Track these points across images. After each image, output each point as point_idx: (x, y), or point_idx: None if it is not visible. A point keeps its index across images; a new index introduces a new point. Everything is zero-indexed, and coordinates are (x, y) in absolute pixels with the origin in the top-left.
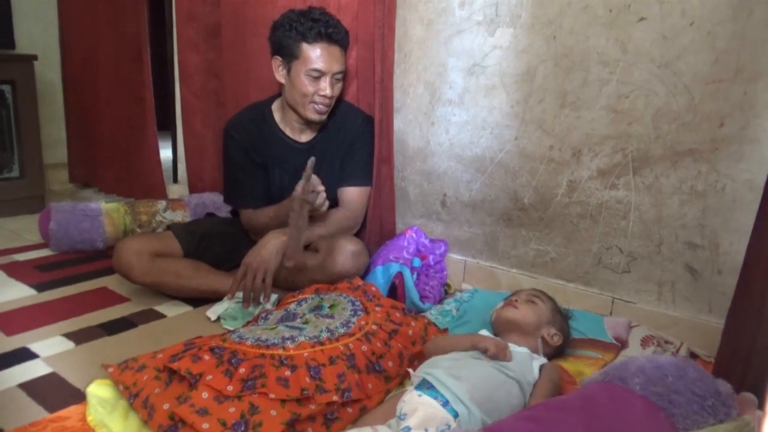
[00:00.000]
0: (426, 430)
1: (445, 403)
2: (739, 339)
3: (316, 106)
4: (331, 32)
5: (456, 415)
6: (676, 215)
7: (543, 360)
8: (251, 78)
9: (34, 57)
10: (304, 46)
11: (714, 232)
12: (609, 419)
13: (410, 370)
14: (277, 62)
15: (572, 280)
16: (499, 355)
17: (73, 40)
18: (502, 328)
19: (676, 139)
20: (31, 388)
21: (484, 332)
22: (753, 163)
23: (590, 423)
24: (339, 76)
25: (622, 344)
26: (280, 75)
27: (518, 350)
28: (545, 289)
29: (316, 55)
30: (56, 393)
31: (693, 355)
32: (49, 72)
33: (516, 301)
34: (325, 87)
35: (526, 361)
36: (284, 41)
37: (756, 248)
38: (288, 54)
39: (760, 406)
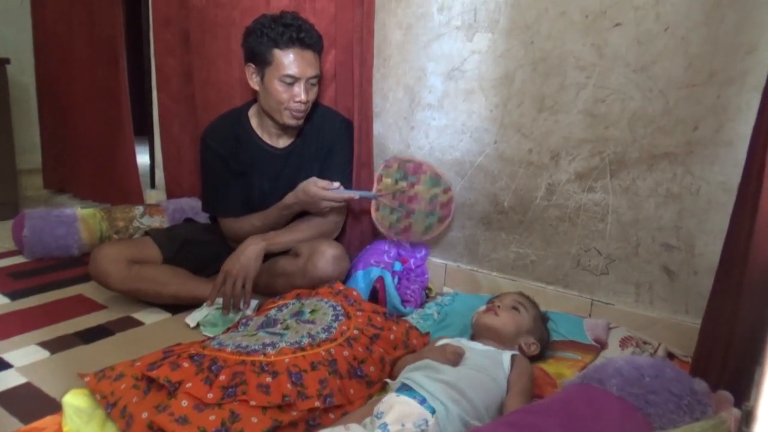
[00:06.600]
0: (403, 425)
1: (423, 401)
2: (716, 339)
3: (292, 112)
4: (304, 37)
5: (433, 412)
6: (653, 217)
7: (513, 352)
8: (212, 82)
9: (7, 60)
10: (276, 52)
11: (690, 233)
12: (586, 421)
13: (388, 380)
14: (250, 69)
15: (552, 283)
16: (451, 363)
17: (47, 44)
18: (480, 332)
19: (651, 143)
20: (5, 399)
21: (445, 340)
22: (727, 166)
23: (567, 425)
24: (313, 80)
25: (601, 345)
26: (254, 82)
27: (483, 348)
28: (525, 292)
29: (288, 60)
30: (31, 403)
31: (670, 355)
32: (22, 76)
33: (498, 307)
34: (300, 92)
35: (495, 356)
36: (256, 48)
37: (731, 249)
38: (261, 61)
39: (737, 404)
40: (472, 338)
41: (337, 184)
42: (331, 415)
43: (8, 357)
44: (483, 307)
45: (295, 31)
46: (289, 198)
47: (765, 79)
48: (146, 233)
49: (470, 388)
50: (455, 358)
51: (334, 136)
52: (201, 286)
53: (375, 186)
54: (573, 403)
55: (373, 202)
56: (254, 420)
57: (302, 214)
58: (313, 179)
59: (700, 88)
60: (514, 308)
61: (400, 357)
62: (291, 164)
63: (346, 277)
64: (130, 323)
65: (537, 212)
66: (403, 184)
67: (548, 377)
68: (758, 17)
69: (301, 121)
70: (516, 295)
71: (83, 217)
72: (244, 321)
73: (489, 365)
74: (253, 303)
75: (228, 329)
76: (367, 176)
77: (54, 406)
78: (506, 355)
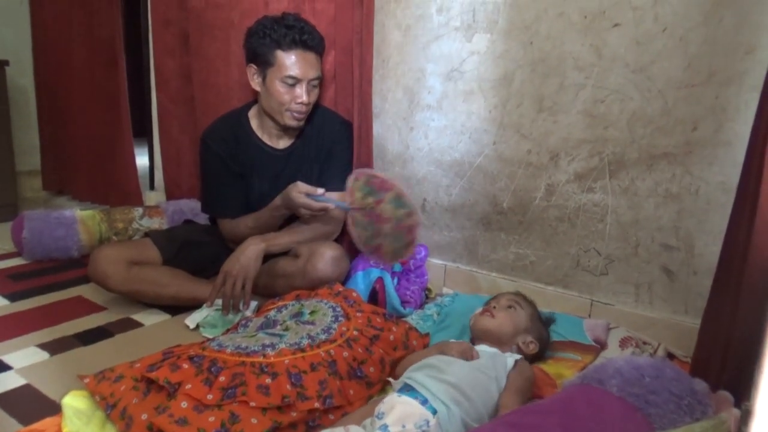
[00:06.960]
0: (404, 426)
1: (424, 402)
2: (715, 338)
3: (293, 113)
4: (306, 39)
5: (435, 412)
6: (652, 217)
7: (516, 356)
8: (211, 83)
9: (6, 62)
10: (279, 53)
11: (689, 233)
12: (586, 421)
13: (390, 379)
14: (252, 70)
15: (551, 283)
16: (465, 356)
17: (46, 46)
18: (478, 335)
19: (651, 143)
20: (4, 400)
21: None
22: (726, 166)
23: (567, 425)
24: (315, 82)
25: (601, 346)
26: (255, 83)
27: (489, 350)
28: (525, 292)
29: (291, 61)
30: (31, 405)
31: (670, 356)
32: (21, 78)
33: (494, 308)
34: (301, 94)
35: (500, 359)
36: (258, 49)
37: (730, 249)
38: (263, 62)
39: (737, 404)
40: (472, 341)
41: (321, 190)
42: (331, 416)
43: (8, 359)
44: (479, 309)
45: (298, 33)
46: (277, 200)
47: (764, 79)
48: (146, 234)
49: (473, 389)
50: (470, 355)
51: (334, 138)
52: (200, 288)
53: (348, 198)
54: (573, 403)
55: (349, 216)
56: (254, 421)
57: None
58: (297, 184)
59: (699, 89)
60: (510, 307)
61: (401, 358)
62: (291, 165)
63: (346, 278)
64: (130, 325)
65: (536, 213)
66: (370, 199)
67: (548, 378)
68: (757, 17)
69: (301, 122)
70: (511, 295)
71: (82, 218)
72: (243, 322)
73: (493, 368)
74: (253, 304)
75: (227, 330)
76: None
77: (54, 408)
78: (511, 359)
